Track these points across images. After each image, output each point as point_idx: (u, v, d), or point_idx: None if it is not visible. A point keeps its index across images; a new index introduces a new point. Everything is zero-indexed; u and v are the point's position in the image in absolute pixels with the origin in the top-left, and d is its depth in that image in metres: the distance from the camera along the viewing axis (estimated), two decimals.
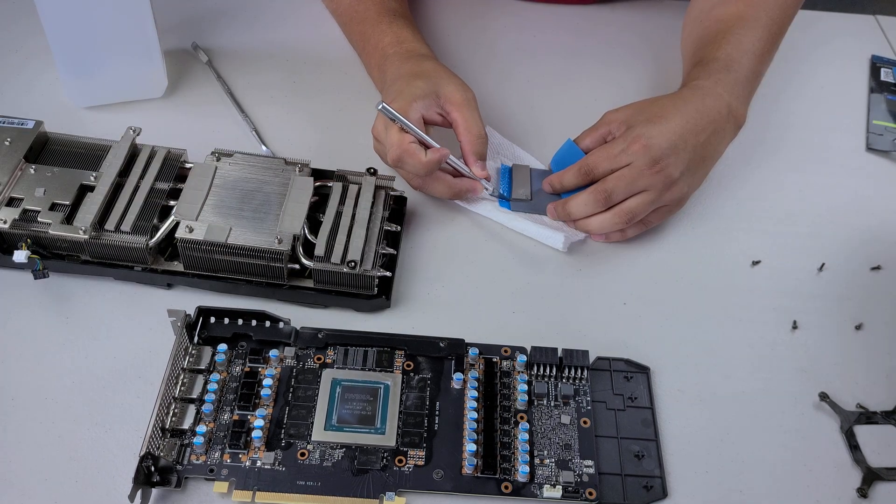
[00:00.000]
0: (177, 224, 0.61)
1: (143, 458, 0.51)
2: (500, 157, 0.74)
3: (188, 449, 0.54)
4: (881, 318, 0.66)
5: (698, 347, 0.63)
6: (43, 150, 0.67)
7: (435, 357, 0.59)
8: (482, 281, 0.66)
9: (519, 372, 0.59)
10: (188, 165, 0.66)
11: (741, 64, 0.72)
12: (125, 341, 0.60)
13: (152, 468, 0.51)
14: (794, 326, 0.65)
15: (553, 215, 0.68)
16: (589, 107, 0.71)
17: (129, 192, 0.63)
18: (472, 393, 0.57)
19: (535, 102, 0.81)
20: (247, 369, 0.58)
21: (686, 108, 0.67)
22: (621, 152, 0.65)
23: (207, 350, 0.58)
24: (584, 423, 0.57)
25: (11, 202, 0.62)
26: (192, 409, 0.55)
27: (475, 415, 0.56)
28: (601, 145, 0.67)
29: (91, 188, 0.63)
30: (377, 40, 0.75)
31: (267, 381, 0.56)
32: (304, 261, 0.62)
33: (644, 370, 0.60)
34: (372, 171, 0.67)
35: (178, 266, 0.62)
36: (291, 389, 0.57)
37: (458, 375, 0.58)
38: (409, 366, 0.59)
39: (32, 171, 0.64)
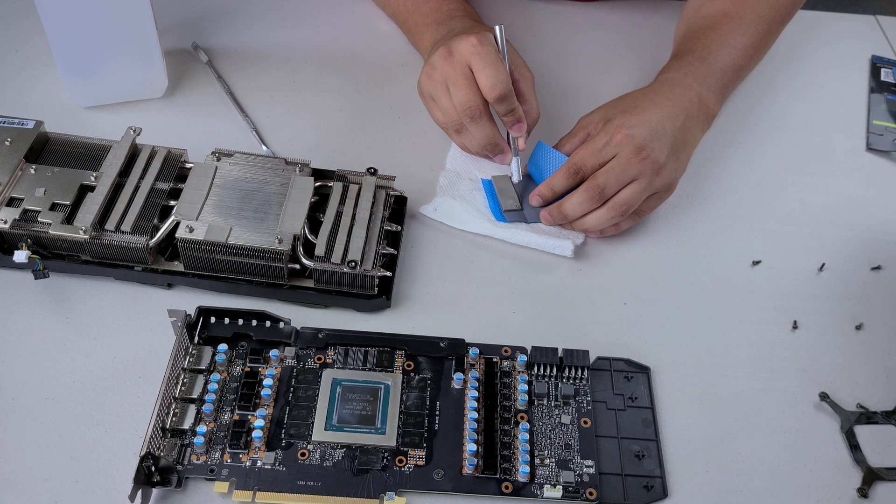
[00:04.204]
0: (177, 224, 0.61)
1: (143, 458, 0.51)
2: (476, 171, 0.73)
3: (188, 449, 0.53)
4: (881, 318, 0.66)
5: (698, 347, 0.63)
6: (43, 150, 0.67)
7: (435, 357, 0.59)
8: (482, 281, 0.66)
9: (519, 372, 0.59)
10: (188, 165, 0.66)
11: (718, 56, 0.73)
12: (125, 341, 0.60)
13: (153, 468, 0.51)
14: (795, 326, 0.65)
15: (549, 221, 0.68)
16: (587, 106, 0.71)
17: (130, 192, 0.63)
18: (472, 393, 0.57)
19: None
20: (247, 369, 0.58)
21: (657, 98, 0.69)
22: (605, 145, 0.66)
23: (208, 350, 0.58)
24: (585, 423, 0.57)
25: (12, 202, 0.62)
26: (192, 409, 0.55)
27: (475, 415, 0.56)
28: (585, 143, 0.68)
29: (91, 188, 0.63)
30: (440, 3, 0.77)
31: (267, 381, 0.56)
32: (304, 261, 0.62)
33: (644, 370, 0.60)
34: (372, 171, 0.67)
35: (178, 266, 0.62)
36: (292, 389, 0.57)
37: (458, 375, 0.58)
38: (409, 366, 0.59)
39: (33, 171, 0.64)
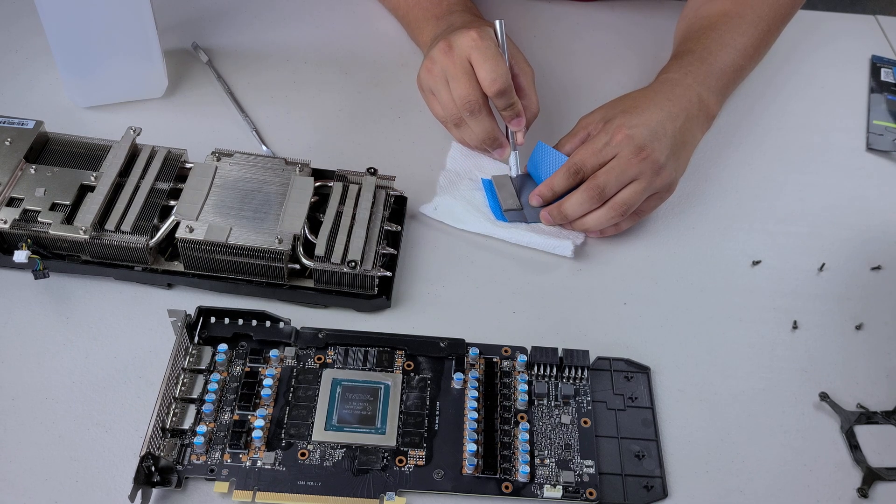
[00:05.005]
0: (177, 224, 0.61)
1: (143, 458, 0.51)
2: (476, 171, 0.73)
3: (188, 449, 0.54)
4: (881, 318, 0.66)
5: (698, 347, 0.63)
6: (43, 150, 0.67)
7: (435, 357, 0.59)
8: (482, 281, 0.66)
9: (519, 372, 0.59)
10: (188, 165, 0.66)
11: (718, 57, 0.73)
12: (125, 341, 0.60)
13: (153, 468, 0.51)
14: (795, 326, 0.65)
15: (549, 221, 0.68)
16: (587, 106, 0.71)
17: (130, 192, 0.63)
18: (472, 393, 0.57)
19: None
20: (247, 369, 0.58)
21: (657, 98, 0.69)
22: (605, 145, 0.66)
23: (208, 350, 0.58)
24: (585, 423, 0.57)
25: (12, 202, 0.62)
26: (192, 409, 0.55)
27: (475, 415, 0.56)
28: (585, 143, 0.68)
29: (91, 188, 0.63)
30: None
31: (267, 381, 0.56)
32: (304, 261, 0.62)
33: (644, 370, 0.60)
34: (372, 171, 0.67)
35: (178, 266, 0.62)
36: (292, 389, 0.57)
37: (458, 375, 0.58)
38: (409, 366, 0.59)
39: (33, 171, 0.64)
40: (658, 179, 0.66)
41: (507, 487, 0.54)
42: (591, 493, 0.54)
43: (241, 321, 0.59)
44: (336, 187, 0.66)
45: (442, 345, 0.60)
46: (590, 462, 0.55)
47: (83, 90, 0.75)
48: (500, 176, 0.72)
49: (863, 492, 0.55)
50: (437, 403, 0.57)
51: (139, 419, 0.55)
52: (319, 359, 0.59)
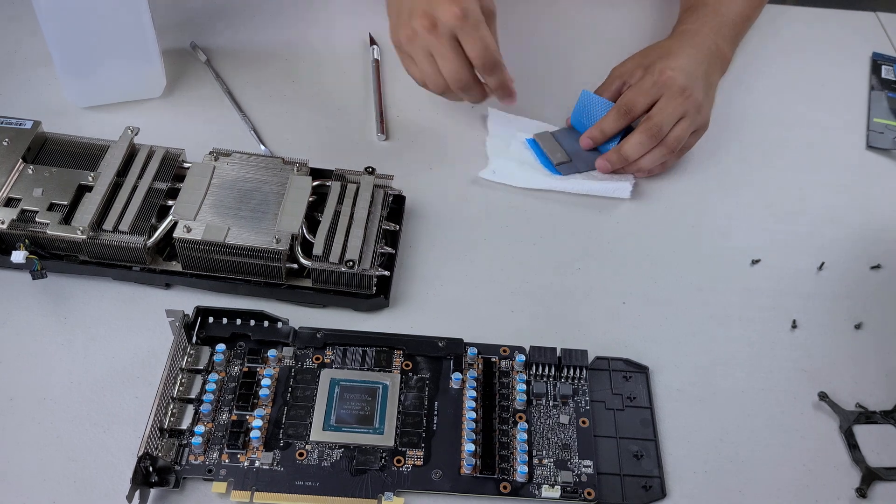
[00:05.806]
0: (175, 224, 0.61)
1: (141, 459, 0.51)
2: (519, 132, 0.76)
3: (186, 449, 0.53)
4: (881, 317, 0.66)
5: (698, 347, 0.63)
6: (41, 150, 0.66)
7: (433, 357, 0.59)
8: (481, 280, 0.66)
9: (518, 372, 0.59)
10: (186, 165, 0.66)
11: (729, 8, 0.80)
12: (123, 341, 0.60)
13: (150, 468, 0.51)
14: (794, 326, 0.65)
15: (607, 168, 0.71)
16: (594, 84, 0.72)
17: (128, 192, 0.63)
18: (470, 393, 0.57)
19: (532, 81, 0.80)
20: (245, 369, 0.58)
21: (683, 46, 0.75)
22: (652, 86, 0.71)
23: (206, 350, 0.58)
24: (583, 422, 0.57)
25: (9, 202, 0.62)
26: (190, 409, 0.55)
27: (474, 415, 0.56)
28: (632, 86, 0.72)
29: (89, 188, 0.63)
30: None
31: (265, 381, 0.56)
32: (302, 260, 0.61)
33: (643, 370, 0.60)
34: (370, 171, 0.67)
35: (176, 266, 0.62)
36: (290, 389, 0.57)
37: (456, 375, 0.58)
38: (407, 365, 0.59)
39: (30, 171, 0.64)
40: (700, 117, 0.71)
41: (505, 487, 0.54)
42: (589, 493, 0.54)
43: (239, 321, 0.59)
44: (334, 186, 0.66)
45: (440, 344, 0.60)
46: (588, 462, 0.55)
47: (81, 90, 0.74)
48: (541, 133, 0.75)
49: (861, 492, 0.55)
50: (436, 403, 0.57)
51: (137, 419, 0.55)
52: (317, 359, 0.59)
